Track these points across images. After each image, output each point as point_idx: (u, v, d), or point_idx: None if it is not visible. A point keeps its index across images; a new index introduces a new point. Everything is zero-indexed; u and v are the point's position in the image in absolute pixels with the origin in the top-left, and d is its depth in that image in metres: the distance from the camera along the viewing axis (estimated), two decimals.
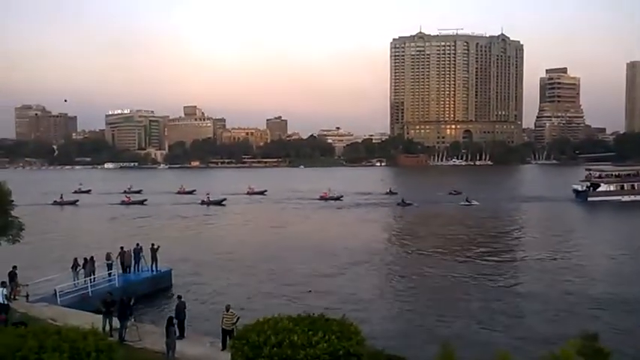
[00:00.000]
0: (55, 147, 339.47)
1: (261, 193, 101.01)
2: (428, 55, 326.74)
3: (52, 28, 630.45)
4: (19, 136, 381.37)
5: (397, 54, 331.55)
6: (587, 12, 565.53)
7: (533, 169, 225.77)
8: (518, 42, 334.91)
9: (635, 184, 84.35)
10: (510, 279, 33.94)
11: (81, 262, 27.05)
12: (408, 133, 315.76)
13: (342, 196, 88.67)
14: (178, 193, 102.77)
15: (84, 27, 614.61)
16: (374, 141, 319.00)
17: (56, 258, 36.49)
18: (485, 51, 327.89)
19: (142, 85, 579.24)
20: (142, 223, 62.61)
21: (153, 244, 30.83)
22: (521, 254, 42.68)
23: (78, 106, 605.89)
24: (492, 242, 48.64)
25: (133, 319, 18.91)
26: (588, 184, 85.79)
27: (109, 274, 27.82)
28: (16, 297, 23.24)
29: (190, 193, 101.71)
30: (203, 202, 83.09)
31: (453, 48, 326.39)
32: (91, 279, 26.44)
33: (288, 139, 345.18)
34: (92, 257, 27.61)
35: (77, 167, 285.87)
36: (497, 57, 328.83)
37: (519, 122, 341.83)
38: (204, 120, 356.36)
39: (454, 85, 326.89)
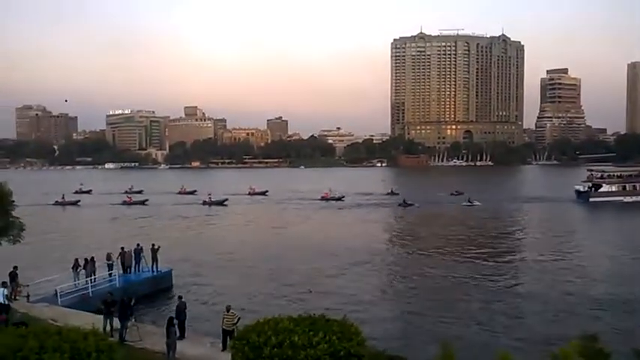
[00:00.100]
0: (55, 147, 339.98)
1: (263, 193, 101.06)
2: (428, 55, 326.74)
3: (52, 28, 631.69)
4: (19, 136, 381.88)
5: (398, 54, 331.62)
6: (587, 12, 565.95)
7: (533, 170, 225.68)
8: (519, 42, 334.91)
9: (637, 184, 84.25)
10: (511, 280, 33.92)
11: (82, 262, 27.05)
12: (408, 134, 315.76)
13: (343, 197, 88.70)
14: (179, 193, 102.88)
15: (84, 27, 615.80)
16: (374, 141, 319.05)
17: (57, 258, 36.50)
18: (486, 51, 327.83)
19: (142, 86, 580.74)
20: (143, 224, 62.65)
21: (153, 245, 30.84)
22: (522, 255, 42.66)
23: (79, 106, 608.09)
24: (494, 243, 48.61)
25: (133, 320, 18.91)
26: (590, 184, 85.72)
27: (110, 275, 27.83)
28: (17, 297, 23.26)
29: (191, 193, 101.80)
30: (205, 203, 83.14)
31: (453, 48, 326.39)
32: (91, 279, 26.46)
33: (288, 139, 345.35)
34: (93, 257, 27.63)
35: (78, 167, 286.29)
36: (498, 57, 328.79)
37: (520, 123, 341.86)
38: (204, 120, 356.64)
39: (455, 85, 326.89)
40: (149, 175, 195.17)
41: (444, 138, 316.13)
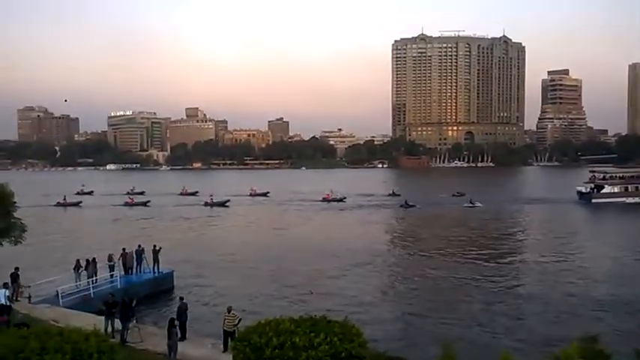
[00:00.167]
0: (57, 148, 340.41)
1: (264, 194, 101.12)
2: (429, 56, 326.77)
3: (53, 29, 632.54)
4: (21, 137, 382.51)
5: (399, 55, 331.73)
6: (589, 13, 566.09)
7: (535, 171, 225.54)
8: (520, 44, 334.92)
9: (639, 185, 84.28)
10: (513, 281, 33.88)
11: (83, 263, 27.07)
12: (409, 135, 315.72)
13: (344, 198, 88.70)
14: (181, 194, 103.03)
15: (85, 28, 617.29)
16: (376, 142, 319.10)
17: (58, 259, 36.54)
18: (487, 52, 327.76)
19: (144, 87, 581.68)
20: (145, 225, 62.69)
21: (155, 246, 30.85)
22: (524, 256, 42.60)
23: (80, 107, 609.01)
24: (495, 244, 48.57)
25: (134, 321, 18.92)
26: (592, 185, 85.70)
27: (111, 276, 27.83)
28: (19, 298, 23.27)
29: (193, 194, 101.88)
30: (206, 204, 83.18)
31: (454, 49, 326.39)
32: (93, 280, 26.47)
33: (289, 140, 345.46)
34: (94, 259, 27.64)
35: (79, 169, 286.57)
36: (499, 58, 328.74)
37: (521, 124, 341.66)
38: (206, 121, 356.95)
39: (456, 86, 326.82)
40: (150, 177, 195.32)
41: (445, 139, 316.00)
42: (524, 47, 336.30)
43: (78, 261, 27.09)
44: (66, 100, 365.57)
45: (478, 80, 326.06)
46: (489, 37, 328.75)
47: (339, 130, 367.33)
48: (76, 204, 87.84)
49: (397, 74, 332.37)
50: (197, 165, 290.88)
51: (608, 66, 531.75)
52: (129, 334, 18.41)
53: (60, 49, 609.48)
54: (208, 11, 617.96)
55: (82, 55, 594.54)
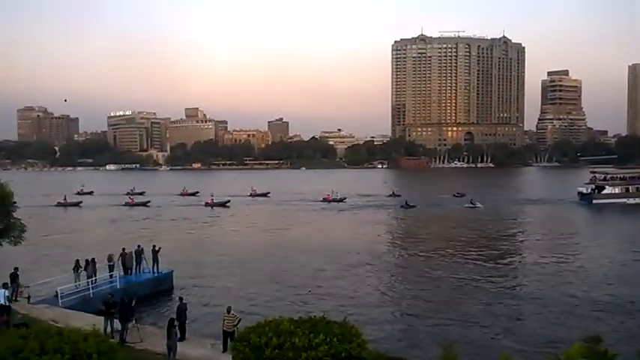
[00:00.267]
0: (56, 148, 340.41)
1: (264, 195, 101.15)
2: (429, 57, 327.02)
3: (54, 30, 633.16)
4: (21, 137, 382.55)
5: (398, 56, 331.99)
6: (588, 14, 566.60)
7: (535, 172, 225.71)
8: (520, 44, 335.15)
9: None
10: (513, 281, 33.88)
11: (82, 263, 27.03)
12: (409, 135, 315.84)
13: (345, 198, 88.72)
14: (181, 194, 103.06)
15: (85, 28, 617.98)
16: (375, 143, 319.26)
17: (58, 259, 36.51)
18: (487, 53, 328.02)
19: (143, 87, 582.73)
20: (145, 225, 62.68)
21: (154, 246, 30.84)
22: (524, 256, 42.58)
23: (80, 107, 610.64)
24: (496, 245, 48.57)
25: (134, 321, 18.90)
26: (593, 186, 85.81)
27: (111, 276, 27.81)
28: (18, 298, 23.25)
29: (193, 194, 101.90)
30: (207, 204, 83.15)
31: (454, 50, 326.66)
32: (92, 280, 26.44)
33: (289, 140, 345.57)
34: (93, 259, 27.60)
35: (79, 169, 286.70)
36: (499, 59, 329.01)
37: (521, 124, 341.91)
38: (205, 122, 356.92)
39: (456, 87, 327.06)
40: (150, 177, 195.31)
41: (444, 140, 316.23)
42: (523, 48, 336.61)
43: (77, 261, 27.05)
44: (66, 100, 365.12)
45: (478, 81, 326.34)
46: (489, 37, 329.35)
47: (339, 130, 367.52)
48: (77, 204, 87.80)
49: (397, 75, 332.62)
50: (197, 165, 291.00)
51: (607, 67, 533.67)
52: (128, 335, 18.40)
53: (60, 49, 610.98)
54: (209, 13, 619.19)
55: (82, 56, 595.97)
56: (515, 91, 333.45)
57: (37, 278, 26.07)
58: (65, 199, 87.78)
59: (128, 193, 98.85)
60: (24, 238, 24.41)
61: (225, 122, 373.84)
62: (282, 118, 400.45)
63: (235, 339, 12.00)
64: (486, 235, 54.51)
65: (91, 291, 25.65)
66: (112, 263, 28.44)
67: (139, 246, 30.82)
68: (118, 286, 26.82)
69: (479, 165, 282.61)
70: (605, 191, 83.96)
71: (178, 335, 17.26)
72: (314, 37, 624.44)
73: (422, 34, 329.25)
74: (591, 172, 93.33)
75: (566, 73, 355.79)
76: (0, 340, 9.68)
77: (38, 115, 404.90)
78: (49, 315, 21.13)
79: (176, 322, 17.30)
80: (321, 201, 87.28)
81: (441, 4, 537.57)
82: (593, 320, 25.10)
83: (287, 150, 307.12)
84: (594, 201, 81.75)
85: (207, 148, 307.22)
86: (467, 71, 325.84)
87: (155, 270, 30.37)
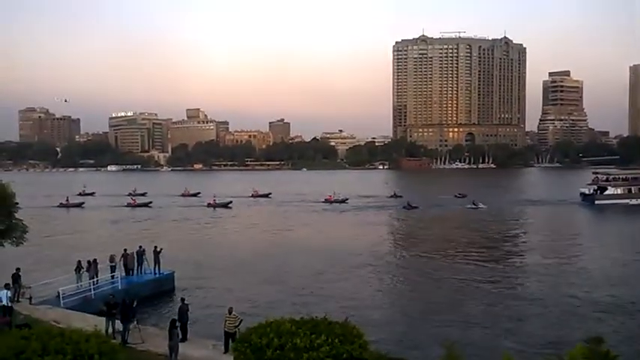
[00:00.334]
0: (58, 149, 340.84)
1: (266, 195, 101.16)
2: (430, 58, 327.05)
3: (55, 30, 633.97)
4: (22, 138, 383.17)
5: (400, 57, 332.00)
6: (589, 15, 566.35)
7: (536, 173, 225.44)
8: (521, 45, 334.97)
9: None
10: (515, 282, 33.83)
11: (84, 264, 27.07)
12: (410, 136, 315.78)
13: (347, 199, 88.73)
14: (183, 195, 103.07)
15: (87, 29, 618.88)
16: (377, 144, 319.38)
17: (60, 260, 36.52)
18: (488, 54, 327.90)
19: (145, 88, 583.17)
20: (147, 226, 62.70)
21: (156, 247, 30.85)
22: (527, 257, 42.49)
23: (81, 108, 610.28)
24: (498, 246, 48.54)
25: (135, 322, 18.91)
26: (595, 187, 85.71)
27: (112, 277, 27.82)
28: (20, 299, 23.27)
29: (195, 195, 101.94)
30: (209, 205, 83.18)
31: (455, 51, 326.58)
32: (94, 281, 26.46)
33: (290, 141, 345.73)
34: (95, 260, 27.62)
35: (80, 170, 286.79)
36: (500, 60, 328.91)
37: (522, 125, 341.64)
38: (207, 123, 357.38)
39: (457, 88, 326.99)
40: (152, 178, 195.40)
41: (446, 140, 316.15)
42: (525, 48, 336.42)
43: (79, 262, 27.09)
44: (66, 100, 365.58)
45: (479, 81, 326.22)
46: (490, 38, 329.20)
47: (340, 131, 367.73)
48: (79, 205, 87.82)
49: (398, 76, 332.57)
50: (198, 166, 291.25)
51: (609, 67, 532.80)
52: (130, 335, 18.40)
53: (61, 50, 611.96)
54: (209, 12, 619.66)
55: (83, 57, 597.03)
56: (517, 91, 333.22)
57: (39, 279, 26.07)
58: (67, 200, 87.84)
59: (130, 194, 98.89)
60: (26, 239, 24.50)
61: (227, 123, 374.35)
62: (283, 119, 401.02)
63: (237, 340, 12.02)
64: (488, 236, 54.45)
65: (92, 292, 25.66)
66: (113, 264, 28.46)
67: (140, 247, 30.85)
68: (120, 287, 26.83)
69: (480, 166, 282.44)
70: (607, 192, 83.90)
71: (180, 336, 17.26)
72: (315, 38, 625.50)
73: (423, 35, 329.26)
74: (594, 173, 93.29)
75: (567, 73, 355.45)
76: (2, 341, 9.72)
77: (40, 116, 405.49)
78: (50, 316, 21.15)
79: (178, 323, 17.30)
80: (323, 202, 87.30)
81: (441, 5, 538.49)
82: (595, 321, 25.06)
83: (288, 151, 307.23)
84: (596, 202, 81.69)
85: (209, 148, 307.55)
86: (468, 72, 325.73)
87: (157, 271, 30.38)
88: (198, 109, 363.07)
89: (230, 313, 17.72)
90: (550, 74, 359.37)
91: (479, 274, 35.66)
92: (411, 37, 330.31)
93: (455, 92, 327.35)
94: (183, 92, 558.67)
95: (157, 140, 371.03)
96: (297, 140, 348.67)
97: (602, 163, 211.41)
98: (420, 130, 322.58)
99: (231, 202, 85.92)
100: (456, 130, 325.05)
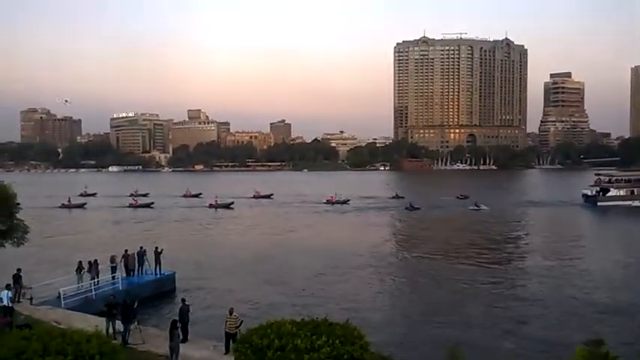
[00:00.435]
0: (59, 150, 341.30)
1: (268, 196, 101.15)
2: (432, 59, 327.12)
3: (57, 31, 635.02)
4: (24, 139, 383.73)
5: (401, 58, 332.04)
6: (591, 16, 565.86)
7: (538, 174, 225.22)
8: (522, 46, 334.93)
9: None
10: (517, 284, 33.73)
11: (85, 265, 27.09)
12: (411, 138, 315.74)
13: (348, 200, 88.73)
14: (184, 196, 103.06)
15: (89, 30, 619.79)
16: (378, 145, 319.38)
17: (61, 261, 36.55)
18: (489, 55, 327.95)
19: (146, 89, 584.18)
20: (149, 226, 62.72)
21: (157, 247, 30.83)
22: (529, 259, 42.36)
23: (83, 109, 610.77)
24: (501, 247, 48.49)
25: (136, 322, 18.90)
26: (598, 188, 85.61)
27: (113, 277, 27.83)
28: (21, 300, 23.29)
29: (196, 196, 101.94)
30: (211, 206, 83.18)
31: (456, 52, 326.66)
32: (94, 282, 26.47)
33: (291, 142, 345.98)
34: (96, 260, 27.63)
35: (82, 170, 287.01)
36: (502, 61, 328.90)
37: (523, 127, 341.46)
38: (208, 123, 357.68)
39: (458, 89, 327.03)
40: (153, 178, 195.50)
41: (447, 142, 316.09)
42: (526, 50, 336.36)
43: (80, 262, 27.11)
44: (66, 101, 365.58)
45: (480, 83, 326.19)
46: (491, 39, 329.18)
47: (341, 132, 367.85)
48: (81, 206, 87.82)
49: (399, 77, 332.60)
50: (199, 167, 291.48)
51: (610, 68, 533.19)
52: (130, 336, 18.40)
53: (63, 50, 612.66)
54: (211, 14, 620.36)
55: (85, 57, 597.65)
56: (518, 93, 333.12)
57: (39, 279, 26.08)
58: (69, 200, 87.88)
59: (132, 195, 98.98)
60: (27, 240, 24.50)
61: (228, 124, 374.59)
62: (284, 120, 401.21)
63: (238, 341, 12.01)
64: (490, 237, 54.34)
65: (93, 292, 25.66)
66: (114, 265, 28.47)
67: (141, 247, 30.84)
68: (121, 288, 26.83)
69: (481, 167, 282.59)
70: (609, 194, 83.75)
71: (181, 337, 17.26)
72: (316, 38, 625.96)
73: (424, 36, 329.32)
74: (596, 175, 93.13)
75: (568, 75, 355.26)
76: (3, 342, 9.73)
77: (41, 117, 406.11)
78: (51, 316, 21.16)
79: (178, 324, 17.31)
80: (325, 203, 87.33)
81: (443, 6, 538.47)
82: (596, 323, 24.99)
83: (289, 152, 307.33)
84: (599, 203, 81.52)
85: (210, 149, 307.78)
86: (469, 73, 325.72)
87: (157, 271, 30.37)
88: (200, 109, 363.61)
89: (231, 313, 17.72)
90: (551, 75, 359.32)
91: (480, 275, 35.62)
92: (412, 39, 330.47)
93: (456, 93, 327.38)
94: (185, 93, 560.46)
95: (158, 141, 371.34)
96: (298, 141, 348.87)
97: (603, 164, 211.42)
98: (421, 131, 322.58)
99: (232, 202, 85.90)
100: (457, 131, 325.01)
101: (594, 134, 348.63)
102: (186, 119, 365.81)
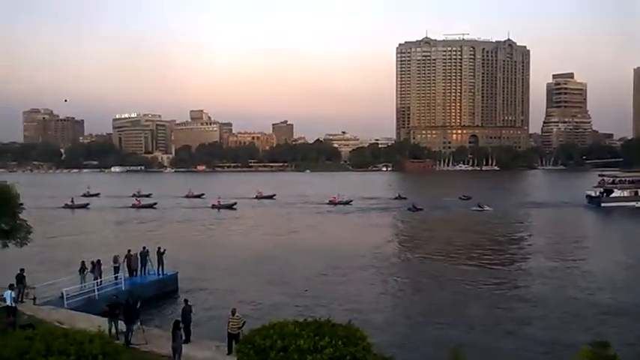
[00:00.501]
0: (62, 150, 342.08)
1: (270, 197, 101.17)
2: (434, 60, 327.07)
3: (59, 31, 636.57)
4: (26, 139, 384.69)
5: (403, 59, 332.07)
6: (594, 17, 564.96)
7: (540, 175, 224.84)
8: (525, 47, 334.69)
9: None
10: (520, 285, 33.65)
11: (88, 265, 27.12)
12: (414, 138, 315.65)
13: (351, 201, 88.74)
14: (187, 197, 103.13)
15: (91, 31, 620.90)
16: (380, 146, 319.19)
17: (64, 261, 36.59)
18: (492, 56, 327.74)
19: (148, 89, 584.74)
20: (152, 227, 62.77)
21: (159, 248, 30.86)
22: (532, 260, 42.27)
23: (85, 109, 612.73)
24: (504, 248, 48.38)
25: (139, 323, 18.91)
26: (601, 189, 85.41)
27: (116, 278, 27.86)
28: (24, 300, 23.33)
29: (199, 197, 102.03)
30: (214, 206, 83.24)
31: (459, 53, 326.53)
32: (97, 282, 26.50)
33: (294, 143, 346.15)
34: (99, 260, 27.66)
35: (84, 171, 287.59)
36: (504, 62, 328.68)
37: (526, 127, 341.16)
38: (210, 124, 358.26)
39: (460, 90, 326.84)
40: (155, 179, 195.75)
41: (449, 142, 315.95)
42: (528, 51, 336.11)
43: (83, 263, 27.15)
44: (66, 100, 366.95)
45: (482, 84, 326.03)
46: (494, 40, 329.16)
47: (343, 133, 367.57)
48: (84, 206, 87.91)
49: (401, 77, 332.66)
50: (201, 167, 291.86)
51: (613, 69, 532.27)
52: (133, 336, 18.40)
53: (65, 51, 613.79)
54: (213, 14, 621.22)
55: (88, 58, 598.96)
56: (520, 93, 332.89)
57: (43, 279, 26.13)
58: (72, 201, 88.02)
59: (134, 195, 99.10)
60: (30, 240, 24.55)
61: (230, 124, 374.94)
62: (286, 121, 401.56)
63: (240, 341, 12.01)
64: (494, 238, 54.22)
65: (96, 292, 25.70)
66: (117, 265, 28.50)
67: (144, 248, 30.86)
68: (123, 288, 26.86)
69: (484, 168, 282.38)
70: (613, 194, 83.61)
71: (183, 337, 17.27)
72: (318, 39, 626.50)
73: (426, 37, 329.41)
74: (600, 175, 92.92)
75: (571, 75, 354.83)
76: (6, 341, 9.75)
77: (44, 118, 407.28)
78: (54, 316, 21.19)
79: (181, 324, 17.31)
80: (327, 203, 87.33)
81: (445, 7, 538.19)
82: (599, 324, 24.92)
83: (291, 152, 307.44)
84: (603, 204, 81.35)
85: (212, 150, 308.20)
86: (471, 74, 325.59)
87: (160, 272, 30.40)
88: (202, 110, 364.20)
89: (233, 314, 17.72)
90: (554, 76, 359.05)
91: (483, 276, 35.54)
92: (413, 39, 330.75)
93: (458, 94, 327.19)
94: (187, 94, 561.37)
95: (161, 141, 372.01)
96: (300, 142, 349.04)
97: (606, 165, 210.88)
98: (424, 132, 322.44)
99: (235, 203, 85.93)
100: (459, 132, 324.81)
101: (597, 135, 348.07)
102: (189, 120, 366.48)
